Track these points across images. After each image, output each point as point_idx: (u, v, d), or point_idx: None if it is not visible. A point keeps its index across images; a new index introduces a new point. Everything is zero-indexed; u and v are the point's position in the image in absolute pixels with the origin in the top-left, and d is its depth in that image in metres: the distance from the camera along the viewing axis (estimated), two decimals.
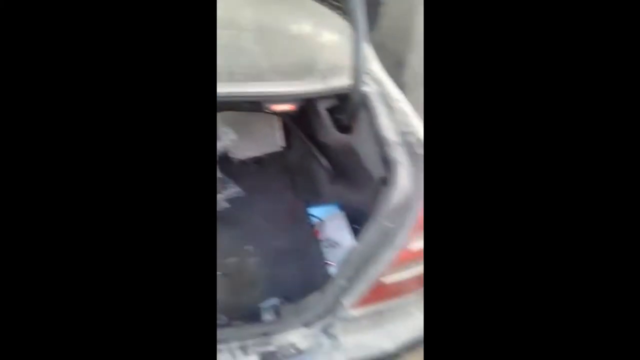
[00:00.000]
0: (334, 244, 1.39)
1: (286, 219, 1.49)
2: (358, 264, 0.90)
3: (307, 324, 0.91)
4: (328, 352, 0.92)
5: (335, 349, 0.92)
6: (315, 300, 0.93)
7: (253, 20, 1.14)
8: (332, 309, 0.92)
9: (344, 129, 1.20)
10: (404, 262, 0.91)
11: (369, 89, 1.08)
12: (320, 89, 1.07)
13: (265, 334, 0.90)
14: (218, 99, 0.84)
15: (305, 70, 1.08)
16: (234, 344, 0.87)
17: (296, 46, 1.14)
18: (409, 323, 0.99)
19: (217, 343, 0.86)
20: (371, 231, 0.89)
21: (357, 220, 1.38)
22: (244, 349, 0.87)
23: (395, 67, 2.89)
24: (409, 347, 1.00)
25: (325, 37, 1.18)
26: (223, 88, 0.90)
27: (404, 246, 0.89)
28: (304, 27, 1.20)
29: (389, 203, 0.89)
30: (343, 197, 1.47)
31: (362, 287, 0.90)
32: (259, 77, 1.05)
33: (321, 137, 1.44)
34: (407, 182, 0.91)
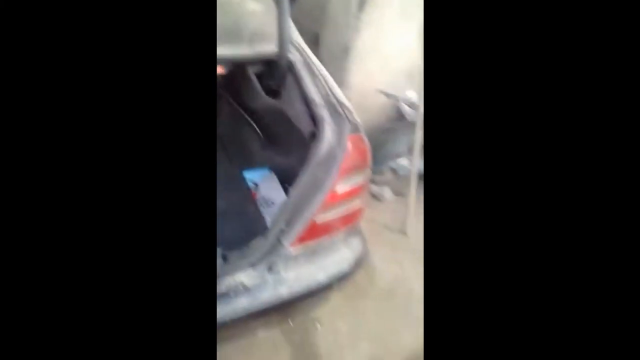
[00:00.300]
0: (269, 203, 1.51)
1: (223, 184, 1.57)
2: (294, 208, 1.04)
3: (252, 265, 1.03)
4: (273, 287, 1.06)
5: (279, 283, 1.07)
6: (258, 244, 1.05)
7: None
8: (273, 249, 1.05)
9: (273, 93, 1.31)
10: (331, 203, 1.07)
11: (293, 56, 1.20)
12: (247, 53, 1.16)
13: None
14: None
15: (233, 34, 1.16)
16: None
17: (222, 12, 1.21)
18: (337, 257, 1.17)
19: None
20: (304, 179, 1.04)
21: (288, 180, 1.51)
22: None
23: (311, 44, 3.02)
24: (338, 278, 1.18)
25: (250, 5, 1.27)
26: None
27: (331, 190, 1.05)
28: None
29: (318, 154, 1.04)
30: (274, 161, 1.59)
31: (298, 227, 1.05)
32: None
33: (251, 102, 1.53)
34: (332, 136, 1.06)
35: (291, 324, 1.56)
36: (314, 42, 3.08)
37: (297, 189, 1.04)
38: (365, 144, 1.13)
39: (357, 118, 1.16)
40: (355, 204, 1.15)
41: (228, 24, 1.18)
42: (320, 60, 2.05)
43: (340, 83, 2.73)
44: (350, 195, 1.10)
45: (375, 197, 2.53)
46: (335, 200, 1.07)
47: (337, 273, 1.17)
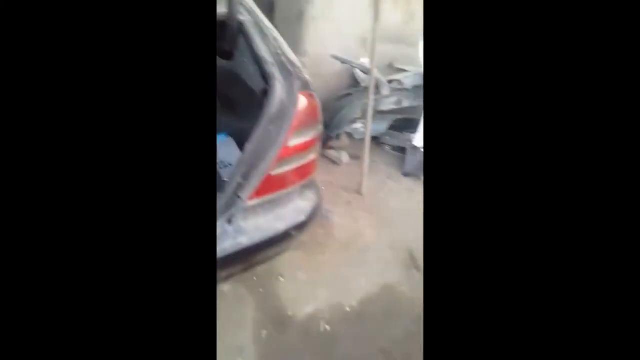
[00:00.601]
0: (227, 165, 1.57)
1: None
2: (250, 163, 1.11)
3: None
4: (233, 237, 1.13)
5: (239, 233, 1.14)
6: (218, 198, 1.12)
7: None
8: (232, 202, 1.12)
9: (225, 55, 1.34)
10: (285, 157, 1.15)
11: (243, 17, 1.24)
12: None
13: None
14: None
15: None
16: None
17: None
18: (294, 208, 1.26)
19: None
20: (258, 134, 1.10)
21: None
22: None
23: (266, 11, 3.00)
24: (296, 227, 1.27)
25: None
26: None
27: (284, 144, 1.13)
28: None
29: (270, 110, 1.10)
30: (232, 126, 1.63)
31: (254, 181, 1.12)
32: None
33: None
34: (282, 92, 1.13)
35: (255, 279, 1.66)
36: (269, 9, 3.06)
37: (251, 144, 1.10)
38: (315, 100, 1.20)
39: (307, 76, 1.23)
40: (309, 157, 1.23)
41: None
42: (275, 27, 2.07)
43: (296, 50, 2.76)
44: (303, 149, 1.18)
45: (333, 161, 2.64)
46: (289, 154, 1.14)
47: (294, 222, 1.26)
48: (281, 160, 1.14)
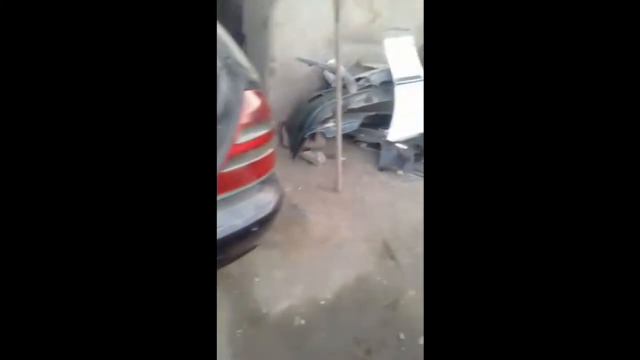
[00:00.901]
0: None
1: None
2: None
3: None
4: None
5: None
6: None
7: None
8: None
9: None
10: (235, 154, 1.18)
11: None
12: None
13: None
14: None
15: None
16: None
17: None
18: (252, 203, 1.29)
19: None
20: None
21: None
22: None
23: (236, 18, 3.07)
24: (257, 222, 1.30)
25: None
26: None
27: (232, 142, 1.16)
28: None
29: (218, 109, 1.14)
30: None
31: None
32: None
33: None
34: (228, 92, 1.16)
35: (230, 280, 1.68)
36: (238, 18, 3.12)
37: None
38: (264, 97, 1.24)
39: (254, 75, 1.27)
40: (263, 153, 1.26)
41: None
42: (244, 35, 2.11)
43: (265, 55, 2.81)
44: (254, 145, 1.22)
45: (310, 162, 2.68)
46: (237, 151, 1.18)
47: (255, 218, 1.28)
48: (232, 158, 1.17)
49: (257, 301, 1.62)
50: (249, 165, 1.24)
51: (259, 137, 1.23)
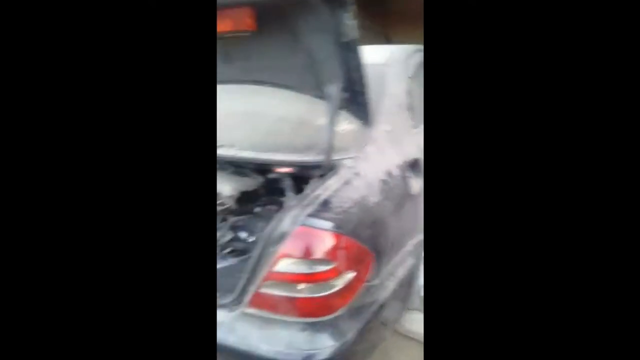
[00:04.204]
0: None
1: None
2: (252, 270, 1.28)
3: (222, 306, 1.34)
4: (225, 328, 1.29)
5: (230, 331, 1.29)
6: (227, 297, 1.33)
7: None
8: (239, 300, 1.31)
9: None
10: (269, 280, 1.22)
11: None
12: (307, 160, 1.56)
13: None
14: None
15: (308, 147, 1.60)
16: None
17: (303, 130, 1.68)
18: (281, 335, 1.22)
19: None
20: (257, 248, 1.27)
21: None
22: None
23: None
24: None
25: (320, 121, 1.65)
26: (265, 155, 1.62)
27: (270, 267, 1.21)
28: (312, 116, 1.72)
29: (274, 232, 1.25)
30: None
31: (250, 291, 1.27)
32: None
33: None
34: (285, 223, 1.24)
35: None
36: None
37: (253, 255, 1.27)
38: (316, 237, 1.19)
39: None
40: (301, 292, 1.19)
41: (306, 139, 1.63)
42: None
43: None
44: (287, 279, 1.19)
45: None
46: (272, 278, 1.21)
47: (281, 354, 1.20)
48: (266, 282, 1.23)
49: None
50: (283, 296, 1.22)
51: (294, 275, 1.19)
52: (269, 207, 2.02)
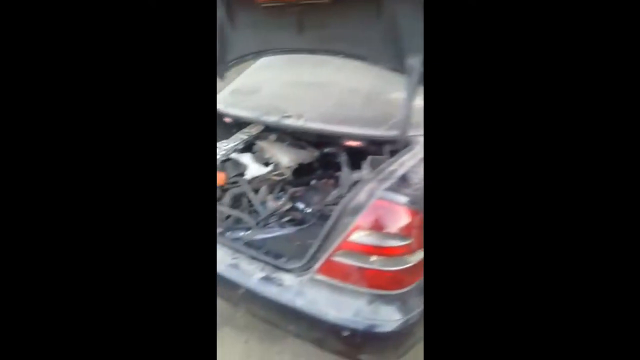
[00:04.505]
0: None
1: None
2: (319, 244, 1.31)
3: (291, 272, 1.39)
4: (294, 292, 1.34)
5: (299, 294, 1.33)
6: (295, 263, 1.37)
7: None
8: (307, 266, 1.35)
9: None
10: (346, 249, 1.24)
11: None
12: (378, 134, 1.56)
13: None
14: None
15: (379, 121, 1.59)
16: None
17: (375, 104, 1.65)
18: (350, 304, 1.25)
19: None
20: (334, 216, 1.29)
21: None
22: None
23: None
24: (358, 332, 1.22)
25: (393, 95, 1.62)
26: (335, 128, 1.62)
27: (345, 238, 1.23)
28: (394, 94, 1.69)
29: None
30: None
31: (322, 259, 1.31)
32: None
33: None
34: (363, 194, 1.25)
35: None
36: None
37: (328, 224, 1.30)
38: (393, 212, 1.19)
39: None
40: (373, 264, 1.21)
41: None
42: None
43: None
44: (361, 250, 1.21)
45: None
46: (345, 247, 1.23)
47: (344, 320, 1.23)
48: (341, 250, 1.25)
49: None
50: (357, 267, 1.24)
51: (370, 246, 1.20)
52: (324, 180, 2.05)
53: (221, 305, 1.91)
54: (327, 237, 1.29)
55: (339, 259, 1.26)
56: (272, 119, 1.85)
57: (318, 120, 1.75)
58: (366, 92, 1.82)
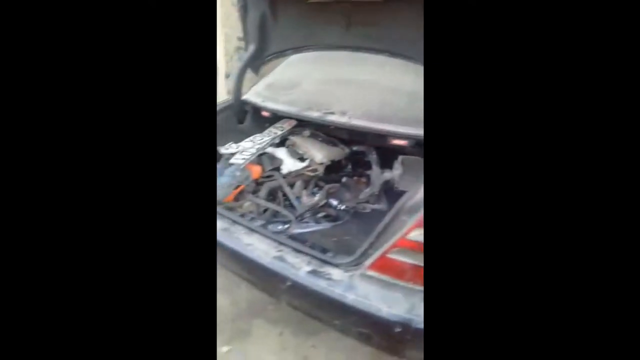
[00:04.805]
0: None
1: None
2: (372, 240, 1.32)
3: (339, 267, 1.40)
4: (344, 286, 1.35)
5: (350, 288, 1.34)
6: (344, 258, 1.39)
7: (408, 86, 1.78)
8: (358, 261, 1.37)
9: None
10: (401, 247, 1.26)
11: None
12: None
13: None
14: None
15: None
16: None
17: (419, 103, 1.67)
18: (403, 301, 1.27)
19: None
20: (389, 215, 1.31)
21: None
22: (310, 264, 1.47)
23: None
24: (404, 326, 1.25)
25: None
26: (380, 126, 1.63)
27: (404, 234, 1.25)
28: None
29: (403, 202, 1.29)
30: None
31: (375, 255, 1.32)
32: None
33: None
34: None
35: None
36: None
37: (383, 222, 1.32)
38: None
39: None
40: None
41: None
42: None
43: None
44: (418, 248, 1.23)
45: None
46: (401, 245, 1.25)
47: (394, 316, 1.25)
48: (397, 248, 1.27)
49: None
50: (411, 264, 1.26)
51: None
52: (355, 178, 2.07)
53: (255, 297, 1.93)
54: (382, 234, 1.31)
55: (394, 256, 1.28)
56: (314, 114, 1.86)
57: (363, 118, 1.76)
58: (408, 92, 1.83)
